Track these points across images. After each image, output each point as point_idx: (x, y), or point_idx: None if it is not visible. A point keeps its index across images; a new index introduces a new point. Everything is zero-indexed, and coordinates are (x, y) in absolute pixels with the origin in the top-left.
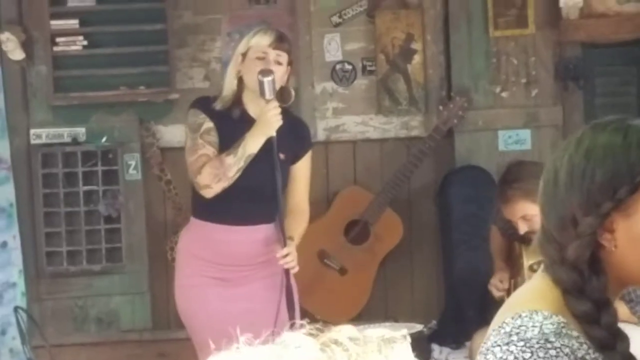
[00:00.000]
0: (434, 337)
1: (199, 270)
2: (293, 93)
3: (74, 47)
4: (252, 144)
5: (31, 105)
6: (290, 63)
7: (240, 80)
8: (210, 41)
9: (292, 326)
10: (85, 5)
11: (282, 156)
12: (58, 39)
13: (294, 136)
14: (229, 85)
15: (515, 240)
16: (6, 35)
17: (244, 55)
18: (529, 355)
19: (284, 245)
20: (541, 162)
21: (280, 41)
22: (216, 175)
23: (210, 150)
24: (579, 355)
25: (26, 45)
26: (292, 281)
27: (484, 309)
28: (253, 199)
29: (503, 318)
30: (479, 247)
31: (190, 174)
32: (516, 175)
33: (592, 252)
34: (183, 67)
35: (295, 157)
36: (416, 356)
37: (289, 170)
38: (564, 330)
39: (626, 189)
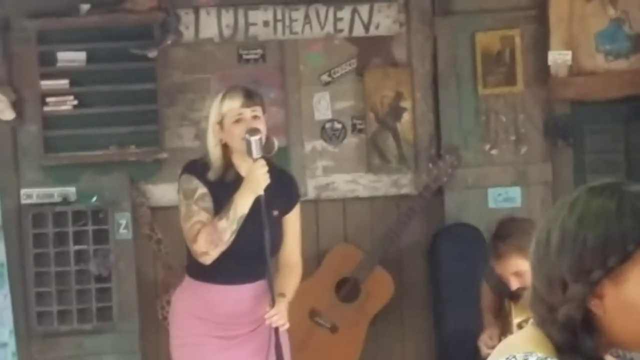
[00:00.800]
0: None
1: (200, 330)
2: (276, 143)
3: (64, 107)
4: (242, 204)
5: (21, 165)
6: (264, 112)
7: (225, 147)
8: (200, 100)
9: None
10: (75, 65)
11: (275, 212)
12: (48, 99)
13: (283, 191)
14: (214, 155)
15: (505, 297)
16: None
17: (220, 123)
18: None
19: (273, 303)
20: (533, 219)
21: (250, 98)
22: (212, 241)
23: (204, 217)
24: None
25: (17, 105)
26: (284, 339)
27: None
28: (248, 257)
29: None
30: (470, 306)
31: (187, 241)
32: (509, 231)
33: (584, 314)
34: (172, 126)
35: (285, 211)
36: None
37: (280, 224)
38: None
39: (617, 257)
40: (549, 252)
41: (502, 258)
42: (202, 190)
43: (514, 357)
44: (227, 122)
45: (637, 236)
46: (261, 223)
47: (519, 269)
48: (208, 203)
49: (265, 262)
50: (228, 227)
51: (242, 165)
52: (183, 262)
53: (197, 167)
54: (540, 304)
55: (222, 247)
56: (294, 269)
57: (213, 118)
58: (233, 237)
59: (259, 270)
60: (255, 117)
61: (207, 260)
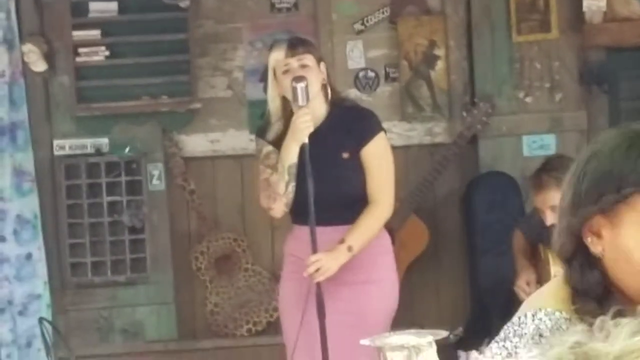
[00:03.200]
0: (460, 344)
1: (294, 268)
2: (329, 88)
3: (96, 58)
4: (287, 154)
5: (54, 116)
6: (320, 60)
7: (284, 100)
8: (232, 50)
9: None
10: (107, 16)
11: (345, 155)
12: (80, 50)
13: (352, 129)
14: (273, 108)
15: (541, 243)
16: (28, 47)
17: (274, 74)
18: (521, 350)
19: (315, 251)
20: (568, 160)
21: (294, 47)
22: (269, 197)
23: (269, 173)
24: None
25: (48, 57)
26: (338, 290)
27: (510, 315)
28: (321, 201)
29: (522, 311)
30: (505, 253)
31: (258, 196)
32: (554, 165)
33: (585, 253)
34: (205, 76)
35: (357, 149)
36: None
37: (357, 162)
38: (563, 326)
39: (611, 197)
40: (572, 182)
41: (543, 189)
42: (267, 148)
43: (525, 314)
44: (278, 74)
45: (636, 177)
46: (328, 165)
47: (556, 204)
48: (273, 159)
49: (319, 206)
50: (279, 180)
51: (296, 115)
52: (216, 212)
53: (261, 127)
54: (558, 238)
55: (283, 200)
56: (370, 208)
57: (269, 71)
58: (291, 187)
59: (337, 215)
60: (303, 66)
61: (275, 214)
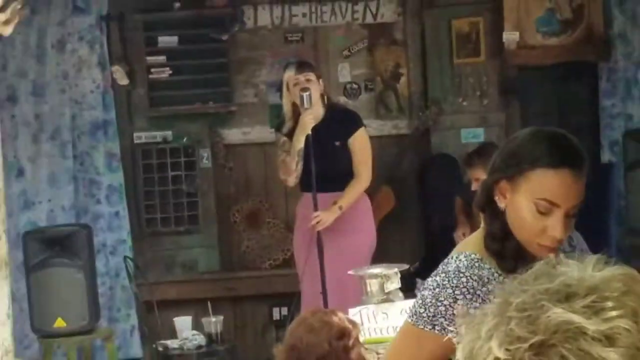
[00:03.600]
0: (417, 274)
1: (303, 222)
2: (324, 97)
3: (162, 75)
4: (296, 142)
5: (134, 116)
6: (319, 76)
7: (292, 105)
8: (259, 69)
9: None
10: (170, 46)
11: (337, 143)
12: (152, 70)
13: (340, 125)
14: (286, 110)
15: (472, 204)
16: (116, 68)
17: (287, 88)
18: (446, 282)
19: (316, 210)
20: (491, 146)
21: (301, 67)
22: (285, 172)
23: (285, 156)
24: (485, 280)
25: (130, 75)
26: (335, 234)
27: None
28: (321, 175)
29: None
30: (448, 212)
31: (279, 173)
32: (481, 150)
33: (494, 207)
34: (239, 87)
35: (345, 139)
36: (404, 287)
37: (346, 149)
38: (476, 264)
39: (514, 169)
40: (492, 159)
41: (473, 167)
42: (282, 139)
43: (451, 257)
44: (290, 86)
45: (531, 159)
46: (325, 150)
47: (480, 177)
48: (287, 146)
49: (319, 179)
50: (291, 160)
51: (303, 115)
52: (247, 182)
53: (278, 124)
54: (477, 196)
55: (294, 174)
56: (354, 181)
57: (284, 85)
58: (300, 165)
59: (331, 185)
60: (307, 81)
61: (288, 184)
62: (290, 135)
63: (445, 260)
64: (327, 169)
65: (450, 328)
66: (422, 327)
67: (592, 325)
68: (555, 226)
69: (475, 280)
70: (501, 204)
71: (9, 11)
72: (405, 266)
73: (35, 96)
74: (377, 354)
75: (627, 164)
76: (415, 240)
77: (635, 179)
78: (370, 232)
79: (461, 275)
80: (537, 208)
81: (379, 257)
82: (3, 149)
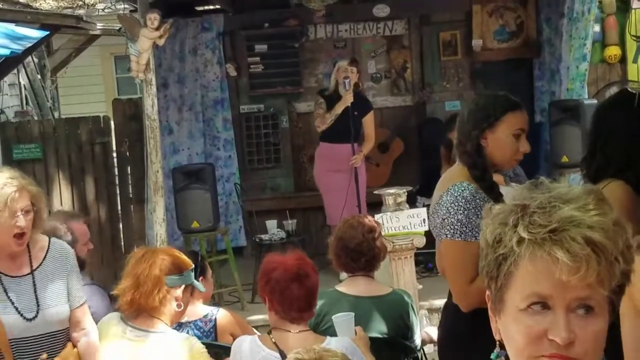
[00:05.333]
0: (418, 193)
1: (325, 165)
2: (360, 85)
3: (258, 70)
4: (338, 109)
5: (240, 96)
6: (358, 71)
7: (336, 83)
8: (317, 65)
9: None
10: (263, 51)
11: (356, 113)
12: (251, 66)
13: (361, 105)
14: (332, 85)
15: (451, 151)
16: (229, 65)
17: (337, 70)
18: (469, 204)
19: (354, 154)
20: None
21: (352, 63)
22: (322, 122)
23: (321, 111)
24: (485, 198)
25: (237, 69)
26: (362, 170)
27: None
28: (340, 133)
29: (442, 189)
30: (436, 153)
31: (314, 119)
32: (456, 118)
33: (477, 148)
34: (306, 77)
35: (363, 114)
36: (409, 201)
37: (361, 121)
38: (475, 189)
39: (493, 117)
40: (464, 120)
41: (453, 128)
42: (321, 100)
43: (448, 188)
44: (339, 70)
45: (503, 108)
46: (349, 117)
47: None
48: (323, 105)
49: (351, 134)
50: (330, 117)
51: (342, 92)
52: (310, 136)
53: (321, 91)
54: (459, 145)
55: (326, 125)
56: (367, 141)
57: (335, 68)
58: (332, 122)
59: (346, 138)
60: (351, 72)
61: (319, 130)
62: (327, 98)
63: (451, 190)
64: (347, 128)
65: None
66: (468, 239)
67: (587, 219)
68: (524, 144)
69: (481, 199)
70: (485, 144)
71: (162, 29)
72: (410, 188)
73: (179, 83)
74: (392, 243)
75: (551, 123)
76: (416, 172)
77: (556, 132)
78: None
79: (475, 197)
80: (514, 136)
81: (392, 183)
82: (160, 116)
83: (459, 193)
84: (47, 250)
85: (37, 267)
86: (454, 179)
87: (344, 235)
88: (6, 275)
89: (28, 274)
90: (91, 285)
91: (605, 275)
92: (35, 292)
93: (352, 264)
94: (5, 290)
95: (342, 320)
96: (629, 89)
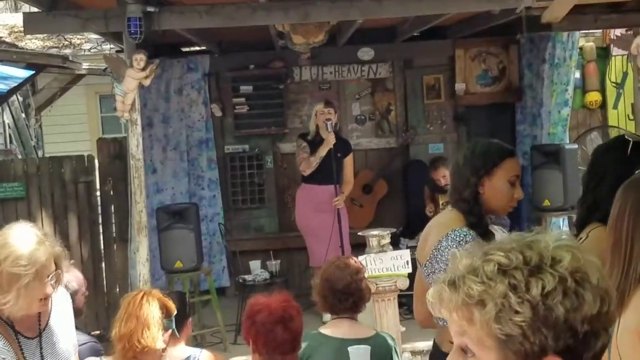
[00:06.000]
0: (401, 235)
1: (306, 207)
2: (339, 126)
3: (243, 110)
4: (322, 152)
5: (225, 135)
6: (335, 112)
7: (317, 127)
8: (302, 106)
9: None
10: (248, 92)
11: (339, 155)
12: (236, 106)
13: (342, 147)
14: (313, 129)
15: (435, 191)
16: (214, 105)
17: (316, 115)
18: (462, 245)
19: (337, 195)
20: (447, 157)
21: (327, 104)
22: (307, 166)
23: (305, 155)
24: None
25: (222, 109)
26: (344, 211)
27: (424, 223)
28: (324, 175)
29: (439, 234)
30: (421, 196)
31: (298, 166)
32: (440, 160)
33: (475, 194)
34: (290, 118)
35: (344, 156)
36: (392, 242)
37: (342, 162)
38: (472, 234)
39: (490, 165)
40: (460, 167)
41: (437, 169)
42: (304, 144)
43: (447, 234)
44: (318, 114)
45: (498, 156)
46: (330, 160)
47: (446, 175)
48: (307, 149)
49: (334, 176)
50: (314, 161)
51: (324, 135)
52: (294, 177)
53: (302, 135)
54: (455, 192)
55: (311, 169)
56: (347, 182)
57: (313, 113)
58: (316, 164)
59: (331, 178)
60: (330, 113)
61: (305, 173)
62: (310, 143)
63: (451, 235)
64: (329, 169)
65: None
66: None
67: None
68: (518, 190)
69: (470, 241)
70: (482, 191)
71: (148, 70)
72: (394, 230)
73: (164, 123)
74: (376, 284)
75: (533, 166)
76: (400, 213)
77: (538, 176)
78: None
79: (475, 241)
80: (510, 183)
81: (376, 224)
82: (144, 155)
83: (461, 238)
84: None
85: (45, 328)
86: (451, 225)
87: (331, 277)
88: (24, 336)
89: (36, 337)
90: (90, 343)
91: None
92: (41, 354)
93: (338, 305)
94: (22, 352)
95: (358, 351)
96: (625, 137)
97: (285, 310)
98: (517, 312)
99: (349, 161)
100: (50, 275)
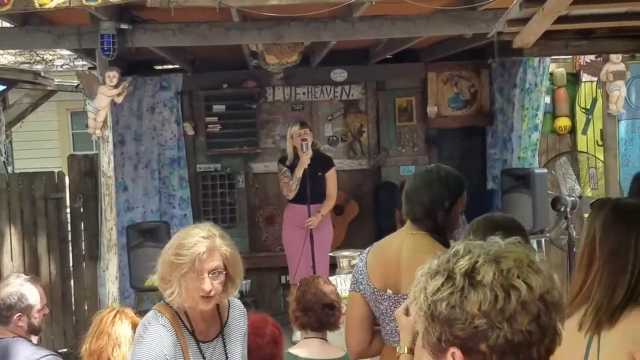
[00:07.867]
0: None
1: (290, 224)
2: (317, 145)
3: (215, 129)
4: (299, 173)
5: (197, 154)
6: (311, 131)
7: (294, 148)
8: (274, 127)
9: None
10: (220, 111)
11: (319, 173)
12: (209, 125)
13: (323, 163)
14: (289, 152)
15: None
16: (186, 124)
17: (292, 137)
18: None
19: (309, 216)
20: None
21: (303, 125)
22: (287, 190)
23: (287, 179)
24: None
25: (195, 128)
26: (327, 229)
27: None
28: (298, 195)
29: (421, 260)
30: (391, 217)
31: (281, 190)
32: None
33: (444, 217)
34: (263, 138)
35: (324, 172)
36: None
37: (324, 178)
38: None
39: (462, 189)
40: (433, 189)
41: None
42: (284, 168)
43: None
44: (294, 137)
45: (462, 186)
46: (313, 178)
47: None
48: (288, 173)
49: (310, 196)
50: (293, 184)
51: (301, 155)
52: (266, 196)
53: (282, 160)
54: (425, 213)
55: (293, 192)
56: (328, 199)
57: (288, 135)
58: (297, 186)
59: (315, 200)
60: (306, 133)
61: (289, 197)
62: (290, 167)
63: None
64: (313, 190)
65: None
66: None
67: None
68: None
69: None
70: (443, 219)
71: (121, 87)
72: (365, 251)
73: (136, 140)
74: (345, 305)
75: (503, 190)
76: (371, 234)
77: (508, 199)
78: (331, 229)
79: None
80: (463, 207)
81: (347, 245)
82: (115, 173)
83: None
84: (229, 309)
85: (223, 328)
86: (427, 248)
87: (307, 295)
88: (202, 342)
89: (217, 337)
90: (52, 356)
91: None
92: (225, 352)
93: (318, 322)
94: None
95: None
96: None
97: (254, 339)
98: (420, 309)
99: (330, 176)
100: (212, 273)
